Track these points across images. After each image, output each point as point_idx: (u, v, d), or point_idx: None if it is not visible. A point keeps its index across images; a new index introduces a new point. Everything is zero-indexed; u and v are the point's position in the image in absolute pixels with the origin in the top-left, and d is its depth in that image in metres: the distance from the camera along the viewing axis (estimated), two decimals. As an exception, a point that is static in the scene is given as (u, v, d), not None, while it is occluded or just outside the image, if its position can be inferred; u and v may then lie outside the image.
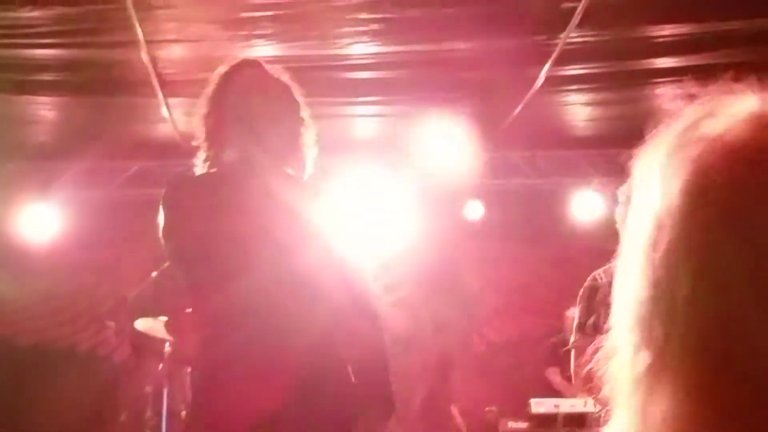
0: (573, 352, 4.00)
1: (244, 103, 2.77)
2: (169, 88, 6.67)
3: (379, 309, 2.73)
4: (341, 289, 2.64)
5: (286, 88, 2.85)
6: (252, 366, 2.56)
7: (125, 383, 7.57)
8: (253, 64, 2.89)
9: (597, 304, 3.67)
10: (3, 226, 8.08)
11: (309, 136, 2.87)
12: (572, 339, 4.07)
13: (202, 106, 2.86)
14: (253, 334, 2.57)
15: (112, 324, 7.84)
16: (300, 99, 2.88)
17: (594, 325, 3.67)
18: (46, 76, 6.56)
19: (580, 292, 3.96)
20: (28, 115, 7.30)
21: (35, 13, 5.72)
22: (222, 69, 2.89)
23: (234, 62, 2.89)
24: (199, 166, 2.83)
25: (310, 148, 2.87)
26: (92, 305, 8.20)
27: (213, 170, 2.78)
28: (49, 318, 8.37)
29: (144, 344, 6.61)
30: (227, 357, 2.62)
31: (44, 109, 7.20)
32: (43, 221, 8.13)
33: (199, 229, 2.61)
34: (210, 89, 2.86)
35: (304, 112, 2.88)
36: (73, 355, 8.30)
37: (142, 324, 6.05)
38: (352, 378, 2.59)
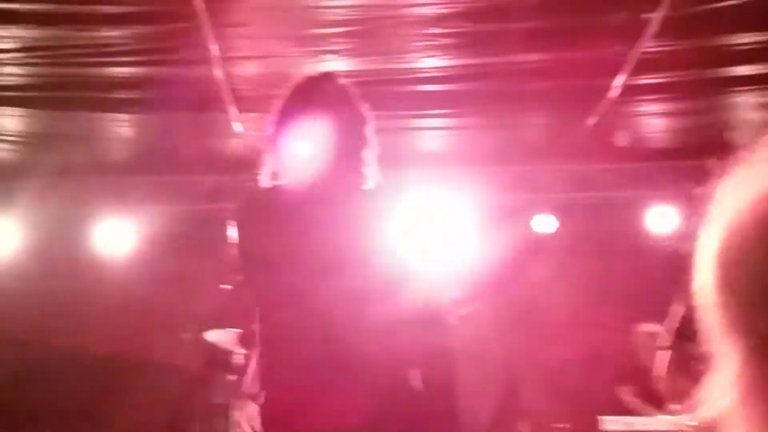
0: (660, 365, 3.91)
1: (310, 117, 2.78)
2: (242, 103, 6.75)
3: (448, 323, 2.70)
4: (408, 304, 2.62)
5: (352, 103, 2.86)
6: (317, 384, 2.55)
7: (198, 395, 7.65)
8: (322, 78, 2.90)
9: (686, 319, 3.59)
10: (81, 240, 8.26)
11: (372, 151, 2.86)
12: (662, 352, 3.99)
13: (270, 119, 2.88)
14: (319, 350, 2.57)
15: (185, 336, 7.93)
16: (365, 113, 2.88)
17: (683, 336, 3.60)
18: (124, 94, 6.69)
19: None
20: (106, 132, 7.45)
21: (113, 33, 5.85)
22: (291, 83, 2.90)
23: (303, 76, 2.90)
24: (266, 179, 2.85)
25: (372, 162, 2.86)
26: (166, 317, 8.30)
27: (279, 185, 2.79)
28: (125, 329, 8.49)
29: (216, 356, 6.67)
30: (292, 372, 2.62)
31: (121, 125, 7.34)
32: (119, 235, 8.28)
33: (265, 245, 2.62)
34: (278, 103, 2.89)
35: (369, 126, 2.87)
36: (147, 367, 8.40)
37: (214, 336, 6.11)
38: (420, 392, 2.57)
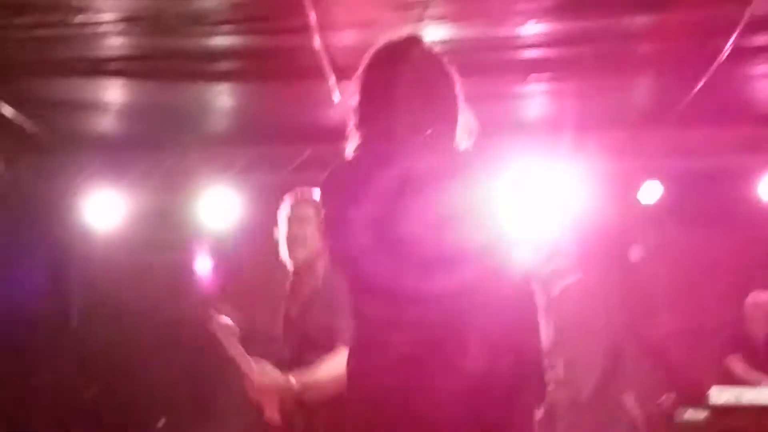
0: None
1: (394, 81, 2.69)
2: (341, 72, 6.73)
3: (535, 288, 2.61)
4: (494, 270, 2.52)
5: (438, 66, 2.76)
6: (407, 352, 2.50)
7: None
8: (406, 42, 2.79)
9: None
10: (186, 213, 8.40)
11: (463, 115, 2.76)
12: None
13: (353, 85, 2.82)
14: (407, 327, 2.51)
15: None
16: (453, 76, 2.78)
17: None
18: (223, 65, 6.73)
19: None
20: (206, 103, 7.53)
21: (213, 3, 5.89)
22: (374, 48, 2.82)
23: (386, 41, 2.81)
24: (351, 149, 2.78)
25: (464, 127, 2.77)
26: (269, 287, 8.39)
27: (366, 153, 2.71)
28: (230, 301, 8.62)
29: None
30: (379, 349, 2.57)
31: (221, 96, 7.41)
32: (221, 206, 8.39)
33: (353, 214, 2.55)
34: (361, 69, 2.81)
35: (458, 89, 2.78)
36: (252, 337, 8.53)
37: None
38: (505, 359, 2.48)
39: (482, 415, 2.45)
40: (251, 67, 6.77)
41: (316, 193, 4.19)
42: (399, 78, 2.67)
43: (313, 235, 4.11)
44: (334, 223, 2.65)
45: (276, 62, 6.63)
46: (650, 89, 7.37)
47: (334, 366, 3.75)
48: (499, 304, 2.51)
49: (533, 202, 8.25)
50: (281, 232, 4.25)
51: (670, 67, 6.86)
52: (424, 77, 2.71)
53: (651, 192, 8.30)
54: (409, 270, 2.45)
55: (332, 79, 6.82)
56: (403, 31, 2.81)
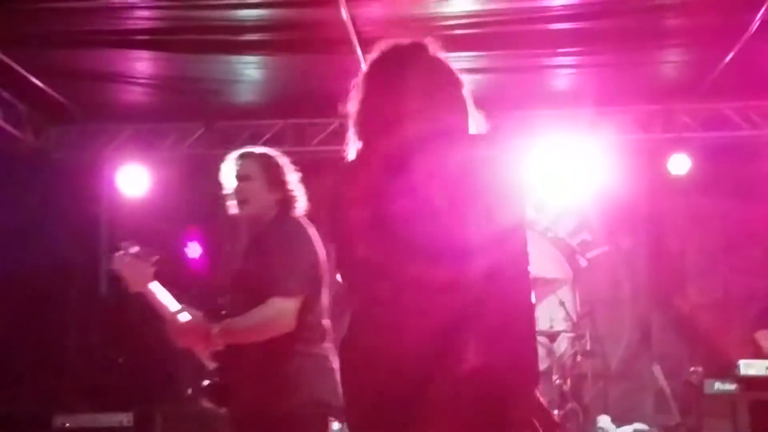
0: None
1: (399, 82, 2.68)
2: (368, 44, 6.71)
3: (528, 270, 2.58)
4: (491, 247, 2.50)
5: (446, 69, 2.74)
6: (391, 337, 2.51)
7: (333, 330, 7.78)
8: (411, 46, 2.78)
9: None
10: (213, 183, 8.42)
11: (473, 114, 2.74)
12: None
13: (355, 87, 2.80)
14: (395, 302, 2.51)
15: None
16: (459, 78, 2.76)
17: None
18: (251, 36, 6.74)
19: None
20: (235, 75, 7.55)
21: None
22: (375, 51, 2.80)
23: (386, 44, 2.80)
24: (355, 147, 2.77)
25: (474, 124, 2.74)
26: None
27: (369, 150, 2.70)
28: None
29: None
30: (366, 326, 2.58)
31: (249, 68, 7.43)
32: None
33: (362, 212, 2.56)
34: (362, 72, 2.80)
35: (463, 90, 2.75)
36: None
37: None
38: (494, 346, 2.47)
39: (477, 401, 2.46)
40: (279, 39, 6.78)
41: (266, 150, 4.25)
42: (404, 80, 2.66)
43: (258, 191, 4.06)
44: (347, 224, 2.64)
45: (304, 34, 6.64)
46: (679, 62, 7.30)
47: (255, 316, 3.78)
48: (507, 290, 2.50)
49: (561, 174, 8.23)
50: (227, 189, 4.16)
51: (699, 40, 6.79)
52: (429, 80, 2.69)
53: (680, 164, 8.24)
54: (420, 258, 2.46)
55: (359, 51, 6.82)
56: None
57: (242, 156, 4.18)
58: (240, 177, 4.10)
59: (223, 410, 3.99)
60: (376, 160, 2.60)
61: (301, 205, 4.13)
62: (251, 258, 4.01)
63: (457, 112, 2.69)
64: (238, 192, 4.09)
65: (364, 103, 2.72)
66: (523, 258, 2.52)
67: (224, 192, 4.16)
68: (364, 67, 2.77)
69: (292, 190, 4.13)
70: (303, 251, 3.94)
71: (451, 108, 2.68)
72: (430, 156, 2.51)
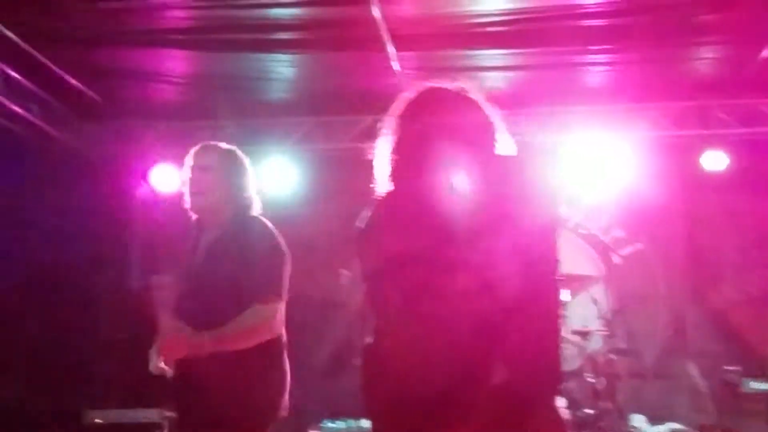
0: None
1: (427, 128, 2.67)
2: (399, 42, 6.72)
3: (556, 278, 2.58)
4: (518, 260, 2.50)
5: (476, 108, 2.72)
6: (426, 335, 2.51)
7: (358, 330, 7.79)
8: (437, 90, 2.76)
9: None
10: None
11: (501, 146, 2.71)
12: None
13: (386, 127, 2.78)
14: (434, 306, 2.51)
15: (345, 272, 8.06)
16: (493, 115, 2.74)
17: None
18: (282, 35, 6.76)
19: None
20: (267, 73, 7.57)
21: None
22: (404, 96, 2.79)
23: (419, 88, 2.78)
24: (388, 184, 2.76)
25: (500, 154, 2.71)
26: (328, 255, 8.45)
27: (404, 188, 2.69)
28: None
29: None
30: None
31: (281, 66, 7.44)
32: (280, 175, 8.46)
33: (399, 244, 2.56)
34: (394, 113, 2.78)
35: (498, 127, 2.72)
36: (310, 303, 8.61)
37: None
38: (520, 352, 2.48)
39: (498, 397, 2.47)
40: (310, 38, 6.79)
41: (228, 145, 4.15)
42: (441, 127, 2.65)
43: (215, 183, 3.95)
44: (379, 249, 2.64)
45: (335, 32, 6.64)
46: (714, 58, 7.22)
47: (244, 323, 3.69)
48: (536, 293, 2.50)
49: (594, 171, 8.18)
50: (184, 180, 4.04)
51: (734, 36, 6.72)
52: (465, 127, 2.68)
53: (715, 161, 8.16)
54: (450, 272, 2.46)
55: (391, 49, 6.81)
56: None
57: (204, 148, 4.07)
58: (199, 168, 3.99)
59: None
60: (409, 198, 2.61)
61: (258, 204, 4.06)
62: (220, 261, 3.84)
63: (489, 157, 2.67)
64: (194, 182, 3.98)
65: (399, 145, 2.71)
66: (552, 277, 2.54)
67: (181, 184, 4.05)
68: (399, 106, 2.75)
69: (249, 188, 4.05)
70: (279, 255, 3.89)
71: (485, 153, 2.67)
72: (463, 192, 2.52)
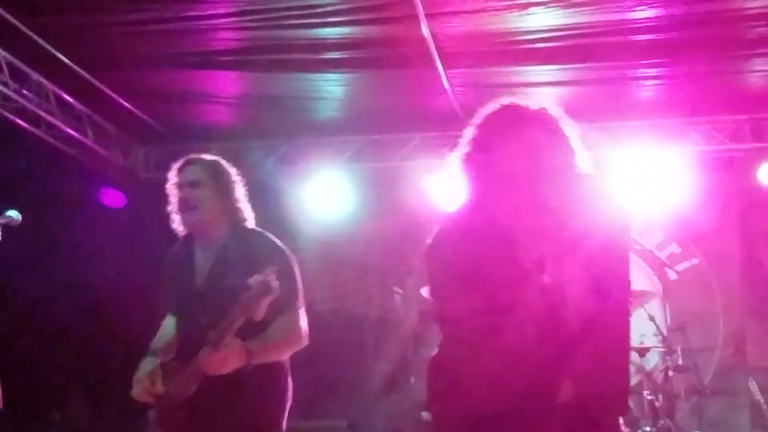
0: None
1: (506, 147, 2.66)
2: (448, 60, 6.71)
3: (628, 299, 2.57)
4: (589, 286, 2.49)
5: (552, 126, 2.70)
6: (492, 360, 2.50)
7: (413, 348, 7.77)
8: (517, 107, 2.75)
9: None
10: (296, 200, 8.50)
11: (580, 163, 2.69)
12: None
13: (462, 147, 2.77)
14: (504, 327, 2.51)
15: (399, 291, 8.06)
16: (573, 133, 2.72)
17: None
18: (332, 54, 6.79)
19: None
20: (317, 92, 7.60)
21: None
22: (483, 111, 2.78)
23: (495, 106, 2.77)
24: (460, 203, 2.75)
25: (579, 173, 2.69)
26: (381, 274, 8.46)
27: (475, 207, 2.69)
28: (343, 286, 8.70)
29: (431, 310, 6.74)
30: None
31: (331, 85, 7.47)
32: (332, 194, 8.48)
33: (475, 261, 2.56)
34: (470, 132, 2.78)
35: (575, 143, 2.71)
36: (365, 322, 8.61)
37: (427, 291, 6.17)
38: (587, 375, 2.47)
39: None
40: (360, 57, 6.81)
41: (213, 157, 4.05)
42: (520, 140, 2.64)
43: (205, 198, 3.83)
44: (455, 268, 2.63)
45: (384, 51, 6.65)
46: (766, 71, 7.10)
47: (283, 332, 3.62)
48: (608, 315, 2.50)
49: (648, 186, 8.09)
50: (171, 199, 3.89)
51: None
52: (546, 143, 2.66)
53: (771, 175, 8.05)
54: (522, 292, 2.46)
55: (440, 67, 6.81)
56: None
57: (189, 162, 3.96)
58: (189, 183, 3.87)
59: None
60: (486, 214, 2.61)
61: (250, 214, 3.98)
62: (227, 275, 3.68)
63: (569, 175, 2.66)
64: (185, 198, 3.85)
65: (478, 162, 2.71)
66: (625, 297, 2.54)
67: (169, 203, 3.92)
68: (478, 122, 2.75)
69: (241, 199, 3.97)
70: (290, 260, 3.80)
71: (565, 172, 2.65)
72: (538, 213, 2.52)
